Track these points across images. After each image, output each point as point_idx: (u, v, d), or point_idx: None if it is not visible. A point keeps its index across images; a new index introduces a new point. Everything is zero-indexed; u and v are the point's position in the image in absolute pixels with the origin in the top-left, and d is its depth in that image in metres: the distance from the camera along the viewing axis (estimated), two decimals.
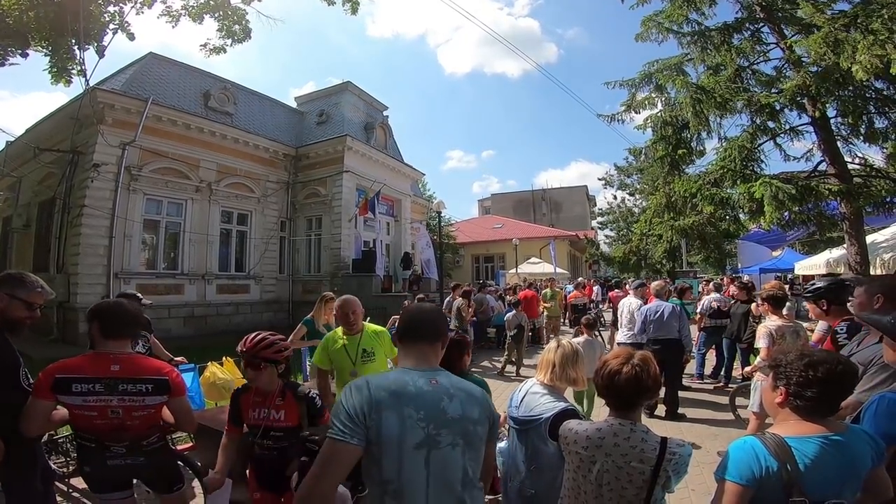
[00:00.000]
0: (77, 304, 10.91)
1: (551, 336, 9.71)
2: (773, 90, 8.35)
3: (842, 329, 2.81)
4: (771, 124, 8.49)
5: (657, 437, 1.59)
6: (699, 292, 12.03)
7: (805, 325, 5.03)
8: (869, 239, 8.33)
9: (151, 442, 2.16)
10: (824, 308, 3.10)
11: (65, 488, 3.62)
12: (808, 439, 1.33)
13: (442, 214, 16.38)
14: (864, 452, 1.35)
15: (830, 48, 6.54)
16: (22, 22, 4.96)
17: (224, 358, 4.97)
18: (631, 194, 27.78)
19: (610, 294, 13.16)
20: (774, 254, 16.83)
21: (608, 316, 12.20)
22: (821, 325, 3.57)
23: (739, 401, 5.28)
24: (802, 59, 7.72)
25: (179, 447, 3.79)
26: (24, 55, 5.24)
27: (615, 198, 29.59)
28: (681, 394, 5.81)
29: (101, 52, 5.37)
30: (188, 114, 13.59)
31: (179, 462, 2.60)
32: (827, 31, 6.62)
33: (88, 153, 11.45)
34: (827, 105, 7.80)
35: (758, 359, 4.17)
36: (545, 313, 11.45)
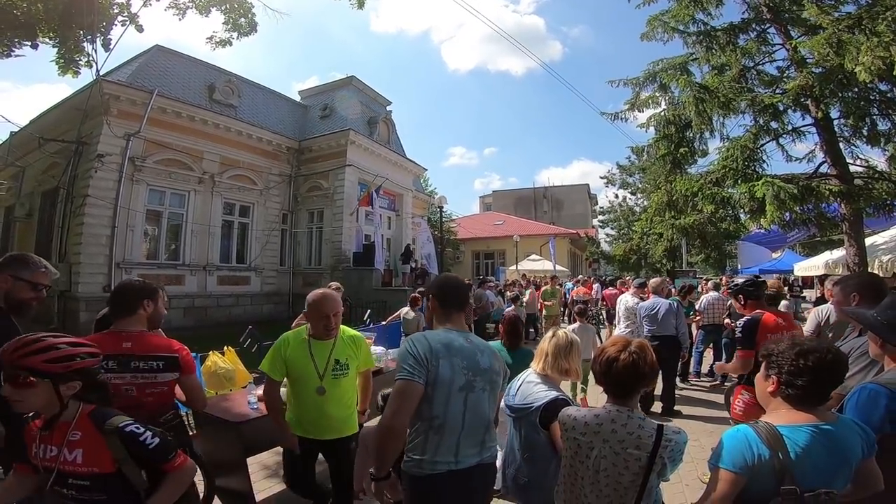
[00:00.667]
0: (78, 294, 10.97)
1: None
2: (776, 90, 8.35)
3: (739, 325, 3.40)
4: (774, 125, 8.46)
5: (654, 424, 1.60)
6: (698, 291, 12.04)
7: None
8: (868, 241, 8.34)
9: (168, 419, 2.16)
10: (742, 302, 3.62)
11: None
12: (800, 428, 1.34)
13: (443, 210, 16.41)
14: (854, 442, 1.37)
15: (833, 49, 6.53)
16: (30, 14, 4.98)
17: (225, 347, 5.02)
18: (633, 193, 27.71)
19: (604, 292, 13.08)
20: (774, 255, 16.86)
21: (603, 314, 12.23)
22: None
23: None
24: (806, 59, 7.72)
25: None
26: (35, 46, 5.25)
27: (616, 197, 29.52)
28: (677, 391, 5.85)
29: (107, 47, 5.40)
30: (192, 106, 13.63)
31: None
32: (830, 33, 6.61)
33: (93, 143, 11.51)
34: (830, 106, 7.80)
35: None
36: (544, 312, 11.03)
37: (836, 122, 8.14)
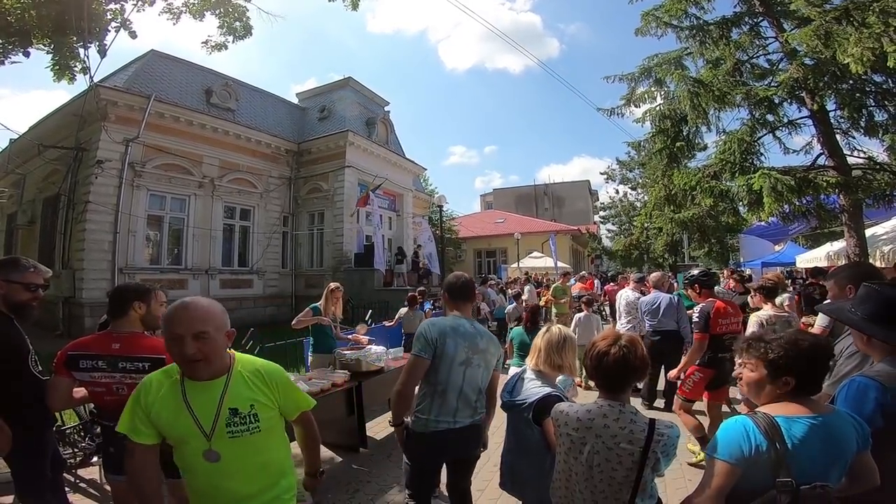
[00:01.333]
0: (82, 300, 11.02)
1: None
2: (771, 83, 8.34)
3: (696, 311, 3.68)
4: (770, 117, 8.45)
5: (646, 418, 1.59)
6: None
7: (808, 319, 5.06)
8: (869, 232, 8.31)
9: None
10: (698, 291, 4.00)
11: (72, 479, 3.66)
12: (796, 419, 1.34)
13: (444, 209, 16.41)
14: (849, 435, 1.36)
15: (821, 41, 6.51)
16: (24, 20, 4.99)
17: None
18: (633, 188, 27.64)
19: (605, 287, 13.03)
20: (777, 248, 16.78)
21: (606, 309, 12.21)
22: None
23: (734, 392, 5.32)
24: (797, 51, 7.70)
25: None
26: (27, 54, 5.25)
27: (617, 192, 29.47)
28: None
29: (102, 52, 5.39)
30: (190, 110, 13.65)
31: None
32: (818, 24, 6.60)
33: (92, 150, 11.54)
34: (826, 98, 7.78)
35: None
36: (554, 311, 9.97)
37: (832, 114, 8.12)
